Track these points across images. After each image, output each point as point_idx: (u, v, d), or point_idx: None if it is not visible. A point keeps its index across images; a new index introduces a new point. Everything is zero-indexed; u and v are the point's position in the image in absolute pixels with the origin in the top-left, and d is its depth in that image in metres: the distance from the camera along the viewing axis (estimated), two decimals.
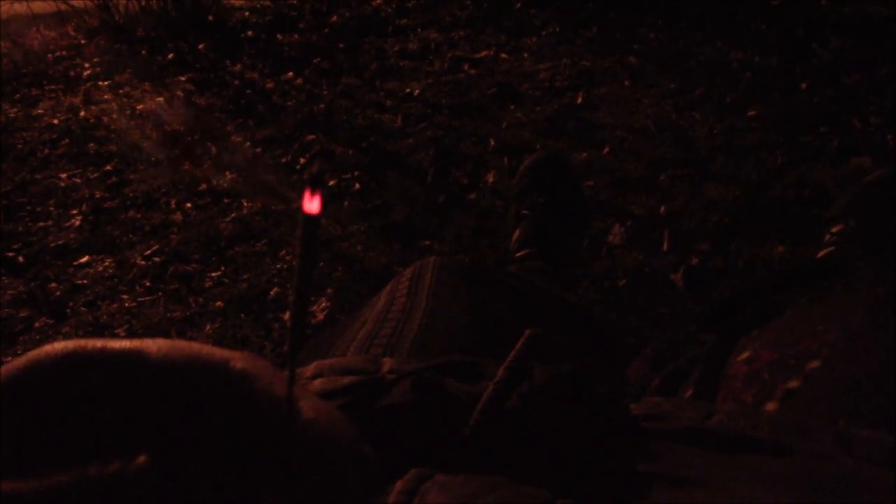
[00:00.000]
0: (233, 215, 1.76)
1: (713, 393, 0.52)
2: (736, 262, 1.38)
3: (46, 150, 2.19)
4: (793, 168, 1.61)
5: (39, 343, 1.43)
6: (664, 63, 2.20)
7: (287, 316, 1.42)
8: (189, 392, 0.25)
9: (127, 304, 1.53)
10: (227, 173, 1.94)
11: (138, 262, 1.65)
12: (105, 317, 1.50)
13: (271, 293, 1.50)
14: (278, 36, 2.80)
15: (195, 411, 0.25)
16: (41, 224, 1.84)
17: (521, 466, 0.34)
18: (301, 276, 0.25)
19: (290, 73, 2.48)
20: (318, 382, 0.41)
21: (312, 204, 0.24)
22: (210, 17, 2.96)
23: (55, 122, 2.36)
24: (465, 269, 0.70)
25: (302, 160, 1.97)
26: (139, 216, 1.82)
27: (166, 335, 1.43)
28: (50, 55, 2.92)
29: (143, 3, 2.95)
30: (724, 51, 2.19)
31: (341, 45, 2.67)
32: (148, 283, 1.58)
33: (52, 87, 2.63)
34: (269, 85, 2.43)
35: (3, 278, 1.64)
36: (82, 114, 2.39)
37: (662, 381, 0.57)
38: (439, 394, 0.38)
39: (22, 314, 1.53)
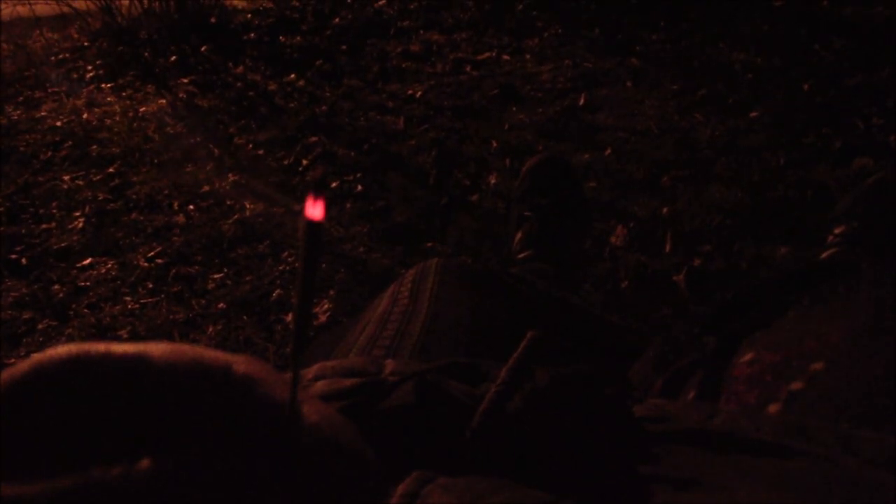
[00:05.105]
0: (235, 217, 1.77)
1: (716, 395, 0.52)
2: (738, 264, 1.38)
3: (49, 153, 2.20)
4: (795, 169, 1.61)
5: (42, 345, 1.44)
6: (666, 64, 2.20)
7: (290, 318, 1.42)
8: (192, 396, 0.25)
9: (129, 306, 1.53)
10: (230, 175, 1.95)
11: (141, 264, 1.65)
12: (108, 319, 1.50)
13: (274, 295, 1.50)
14: (280, 38, 2.80)
15: (198, 416, 0.25)
16: (44, 226, 1.84)
17: (524, 469, 0.34)
18: (304, 281, 0.25)
19: (293, 75, 2.49)
20: (320, 384, 0.41)
21: (315, 210, 0.24)
22: (212, 20, 2.97)
23: (58, 124, 2.37)
24: (468, 271, 0.70)
25: (304, 162, 1.97)
26: (142, 218, 1.82)
27: (169, 337, 1.43)
28: (52, 57, 2.93)
29: (146, 6, 2.96)
30: (726, 52, 2.19)
31: (343, 47, 2.67)
32: (150, 285, 1.58)
33: (55, 89, 2.64)
34: (272, 87, 2.43)
35: (6, 280, 1.65)
36: (85, 116, 2.40)
37: (665, 383, 0.57)
38: (441, 396, 0.38)
39: (25, 316, 1.53)
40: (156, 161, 2.08)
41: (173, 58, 2.73)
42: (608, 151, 1.80)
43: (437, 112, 2.13)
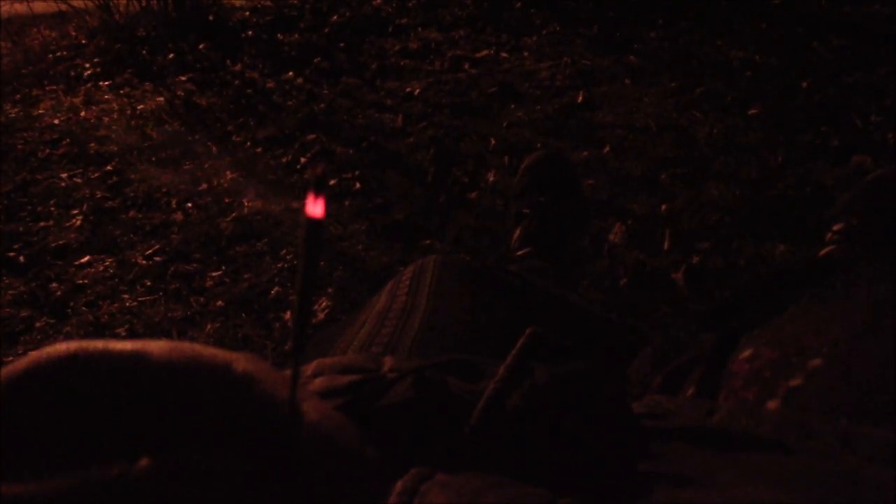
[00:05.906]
0: (233, 215, 1.76)
1: (715, 391, 0.52)
2: (737, 261, 1.38)
3: (47, 151, 2.20)
4: (793, 167, 1.61)
5: (40, 343, 1.44)
6: (664, 62, 2.20)
7: (288, 315, 1.42)
8: (191, 395, 0.25)
9: (128, 304, 1.53)
10: (228, 173, 1.94)
11: (139, 261, 1.65)
12: (106, 317, 1.50)
13: (272, 292, 1.50)
14: (279, 36, 2.80)
15: (197, 414, 0.25)
16: (42, 224, 1.84)
17: (523, 466, 0.34)
18: (304, 279, 0.25)
19: (291, 73, 2.48)
20: (318, 381, 0.41)
21: (316, 207, 0.24)
22: (210, 17, 2.97)
23: (56, 122, 2.36)
24: (466, 268, 0.70)
25: (302, 160, 1.97)
26: (140, 216, 1.82)
27: (167, 335, 1.43)
28: (50, 55, 2.92)
29: (144, 4, 2.95)
30: (725, 49, 2.19)
31: (342, 45, 2.67)
32: (149, 283, 1.58)
33: (53, 87, 2.64)
34: (270, 85, 2.43)
35: (5, 278, 1.64)
36: (83, 114, 2.39)
37: (664, 380, 0.57)
38: (440, 392, 0.38)
39: (23, 314, 1.53)
40: (154, 159, 2.07)
41: (171, 55, 2.73)
42: (607, 149, 1.80)
43: (435, 110, 2.13)
